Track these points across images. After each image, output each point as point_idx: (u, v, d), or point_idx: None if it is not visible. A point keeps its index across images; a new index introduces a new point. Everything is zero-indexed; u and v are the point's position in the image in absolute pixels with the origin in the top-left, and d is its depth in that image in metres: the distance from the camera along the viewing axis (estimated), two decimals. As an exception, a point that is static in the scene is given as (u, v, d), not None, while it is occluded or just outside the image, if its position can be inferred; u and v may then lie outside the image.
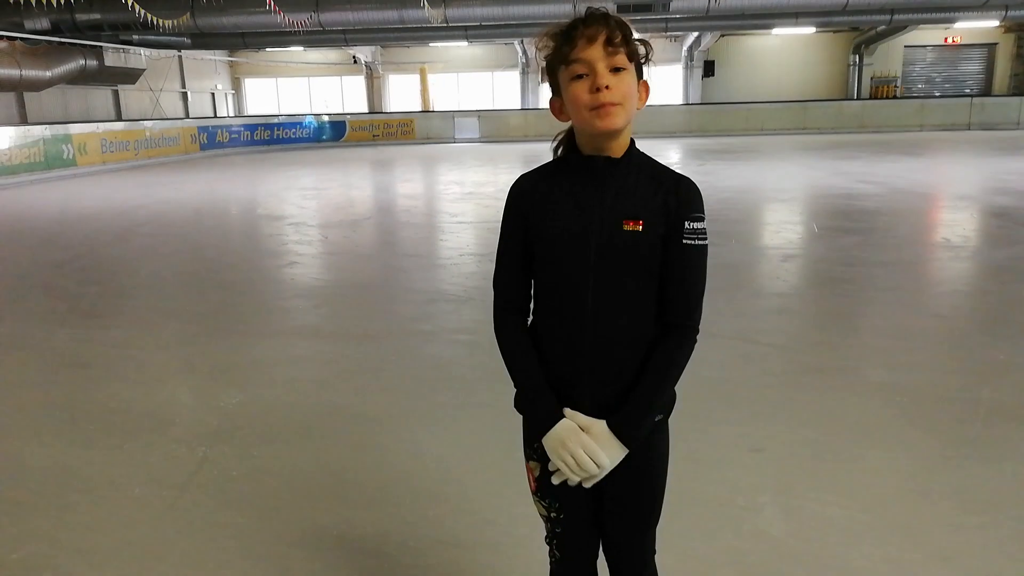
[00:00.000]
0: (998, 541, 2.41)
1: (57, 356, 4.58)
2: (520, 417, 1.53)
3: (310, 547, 2.47)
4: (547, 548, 1.60)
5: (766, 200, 10.62)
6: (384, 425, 3.40)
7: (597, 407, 1.43)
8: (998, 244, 7.23)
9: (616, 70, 1.32)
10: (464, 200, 11.26)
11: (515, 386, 1.46)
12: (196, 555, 2.44)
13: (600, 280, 1.39)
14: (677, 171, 1.44)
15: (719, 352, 4.30)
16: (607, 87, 1.31)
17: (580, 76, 1.33)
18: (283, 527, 2.59)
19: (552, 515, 1.53)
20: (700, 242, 1.42)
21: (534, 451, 1.50)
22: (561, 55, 1.34)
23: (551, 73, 1.40)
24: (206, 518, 2.67)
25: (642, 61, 1.39)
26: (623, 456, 1.41)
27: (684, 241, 1.40)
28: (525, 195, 1.45)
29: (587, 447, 1.37)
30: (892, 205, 9.51)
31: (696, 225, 1.41)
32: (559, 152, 1.48)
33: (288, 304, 5.78)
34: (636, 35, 1.37)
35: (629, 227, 1.37)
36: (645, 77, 1.42)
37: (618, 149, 1.40)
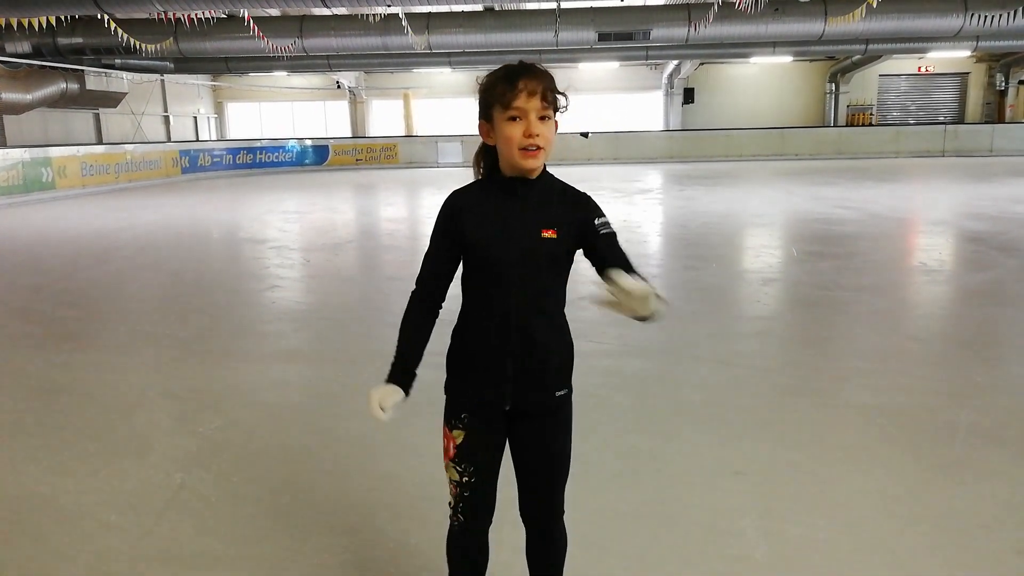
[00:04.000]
0: (980, 563, 2.42)
1: (33, 381, 4.51)
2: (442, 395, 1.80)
3: (290, 574, 2.43)
4: (450, 517, 1.84)
5: (746, 225, 10.73)
6: (366, 450, 3.37)
7: (519, 390, 1.72)
8: (973, 268, 7.35)
9: (543, 118, 1.62)
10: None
11: (396, 352, 1.78)
12: (173, 583, 2.39)
13: (523, 279, 1.69)
14: (577, 188, 1.76)
15: (700, 374, 4.32)
16: (536, 134, 1.61)
17: (514, 119, 1.61)
18: (262, 553, 2.55)
19: (464, 479, 1.78)
20: (610, 230, 1.75)
21: (460, 421, 1.77)
22: (501, 98, 1.61)
23: (486, 105, 1.67)
24: (184, 545, 2.62)
25: (559, 110, 1.66)
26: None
27: (601, 232, 1.73)
28: (457, 208, 1.72)
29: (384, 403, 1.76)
30: (869, 230, 9.64)
31: (602, 220, 1.74)
32: (481, 171, 1.76)
33: (269, 328, 5.74)
34: (559, 89, 1.66)
35: (546, 235, 1.69)
36: (557, 117, 1.69)
37: (534, 173, 1.69)
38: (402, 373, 1.76)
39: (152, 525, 2.76)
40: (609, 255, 1.71)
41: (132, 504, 2.92)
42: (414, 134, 26.98)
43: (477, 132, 1.74)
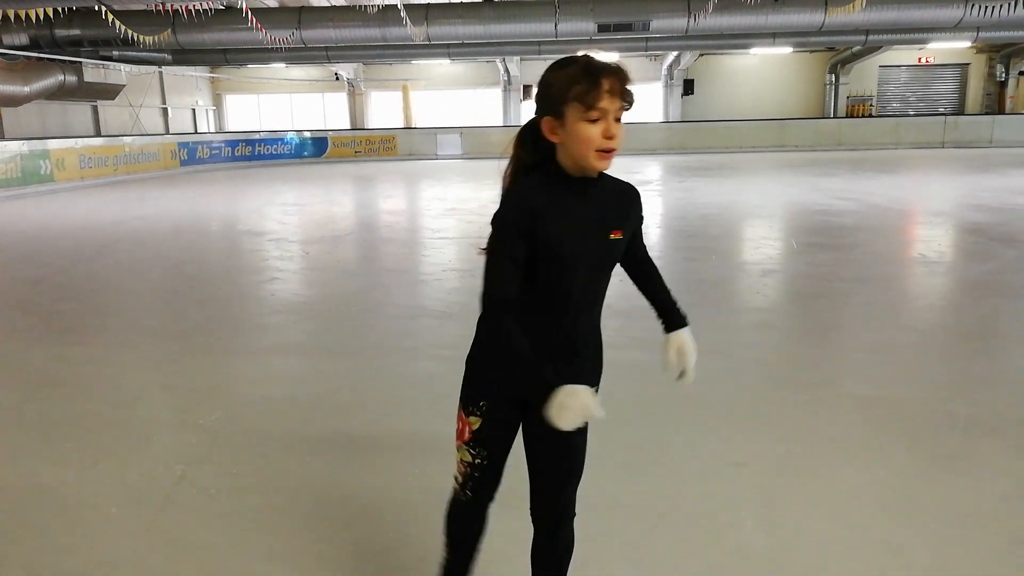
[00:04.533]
0: (979, 554, 2.43)
1: (32, 374, 4.51)
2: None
3: (291, 566, 2.44)
4: (455, 491, 1.87)
5: (745, 216, 10.72)
6: (366, 443, 3.38)
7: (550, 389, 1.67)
8: (973, 259, 7.35)
9: (618, 119, 1.56)
10: (446, 216, 11.27)
11: (525, 370, 1.57)
12: (176, 575, 2.40)
13: (589, 281, 1.68)
14: (621, 179, 1.74)
15: (700, 367, 4.31)
16: (615, 135, 1.55)
17: (594, 120, 1.53)
18: (264, 546, 2.56)
19: (477, 462, 1.80)
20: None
21: (478, 408, 1.76)
22: (582, 97, 1.52)
23: (559, 102, 1.55)
24: (186, 537, 2.63)
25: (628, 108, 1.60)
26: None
27: (640, 230, 1.84)
28: (533, 208, 1.59)
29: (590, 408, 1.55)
30: (869, 221, 9.64)
31: (642, 213, 1.80)
32: (519, 167, 1.69)
33: (269, 321, 5.74)
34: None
35: (614, 236, 1.68)
36: None
37: (596, 171, 1.62)
38: (547, 373, 1.57)
39: (153, 517, 2.77)
40: (644, 251, 1.88)
41: (133, 496, 2.93)
42: (413, 126, 26.92)
43: (517, 133, 1.70)
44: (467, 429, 1.78)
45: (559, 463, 1.81)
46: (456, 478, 1.86)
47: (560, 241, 1.59)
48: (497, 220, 1.60)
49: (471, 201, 12.91)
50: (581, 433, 1.79)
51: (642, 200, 1.79)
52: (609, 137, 1.54)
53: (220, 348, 4.94)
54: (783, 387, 4.00)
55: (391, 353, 4.61)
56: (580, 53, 1.62)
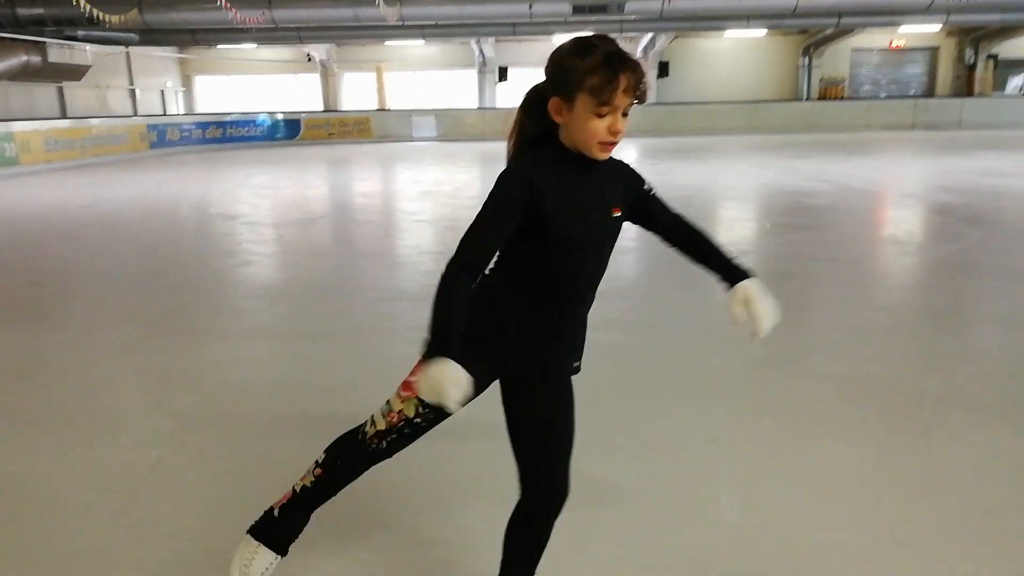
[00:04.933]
0: (950, 525, 2.48)
1: (1, 361, 4.42)
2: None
3: (269, 549, 2.42)
4: (365, 434, 1.77)
5: (719, 198, 10.79)
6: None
7: (544, 362, 1.71)
8: (942, 239, 7.47)
9: (625, 114, 1.56)
10: (422, 198, 11.21)
11: (434, 329, 1.51)
12: (152, 562, 2.38)
13: (592, 260, 1.67)
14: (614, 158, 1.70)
15: (674, 347, 4.36)
16: (620, 131, 1.54)
17: (602, 115, 1.52)
18: (242, 530, 2.54)
19: (417, 421, 1.70)
20: (656, 191, 1.81)
21: None
22: (597, 91, 1.49)
23: (572, 87, 1.52)
24: (161, 524, 2.60)
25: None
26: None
27: (652, 194, 1.77)
28: (535, 182, 1.56)
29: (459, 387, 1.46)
30: (841, 202, 9.75)
31: (648, 185, 1.78)
32: (518, 142, 1.65)
33: (242, 304, 5.68)
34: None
35: (615, 214, 1.67)
36: None
37: (595, 159, 1.61)
38: (451, 345, 1.50)
39: (127, 504, 2.74)
40: (670, 215, 1.80)
41: (108, 483, 2.89)
42: (387, 108, 26.66)
43: (505, 110, 1.65)
44: None
45: (561, 429, 1.77)
46: (374, 422, 1.75)
47: (566, 221, 1.57)
48: (497, 187, 1.56)
49: (446, 184, 12.84)
50: (572, 404, 1.79)
51: (637, 172, 1.76)
52: (614, 132, 1.54)
53: (193, 332, 4.87)
54: (758, 366, 4.04)
55: (368, 335, 4.58)
56: (598, 36, 1.56)
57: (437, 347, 1.48)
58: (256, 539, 1.85)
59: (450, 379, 1.43)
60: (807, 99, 26.50)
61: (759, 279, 1.73)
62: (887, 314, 5.04)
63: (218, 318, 5.26)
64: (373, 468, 1.86)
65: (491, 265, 1.65)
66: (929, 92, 27.35)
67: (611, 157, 1.67)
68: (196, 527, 2.57)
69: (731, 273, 1.75)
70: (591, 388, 3.70)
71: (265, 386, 3.91)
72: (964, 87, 26.96)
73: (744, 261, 1.82)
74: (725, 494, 2.71)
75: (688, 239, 1.81)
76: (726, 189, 11.64)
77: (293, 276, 6.73)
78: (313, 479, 1.81)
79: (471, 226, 1.56)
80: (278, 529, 1.85)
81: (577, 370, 1.79)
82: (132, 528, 2.58)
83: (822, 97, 26.79)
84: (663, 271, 6.09)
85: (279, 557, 1.87)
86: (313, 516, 1.95)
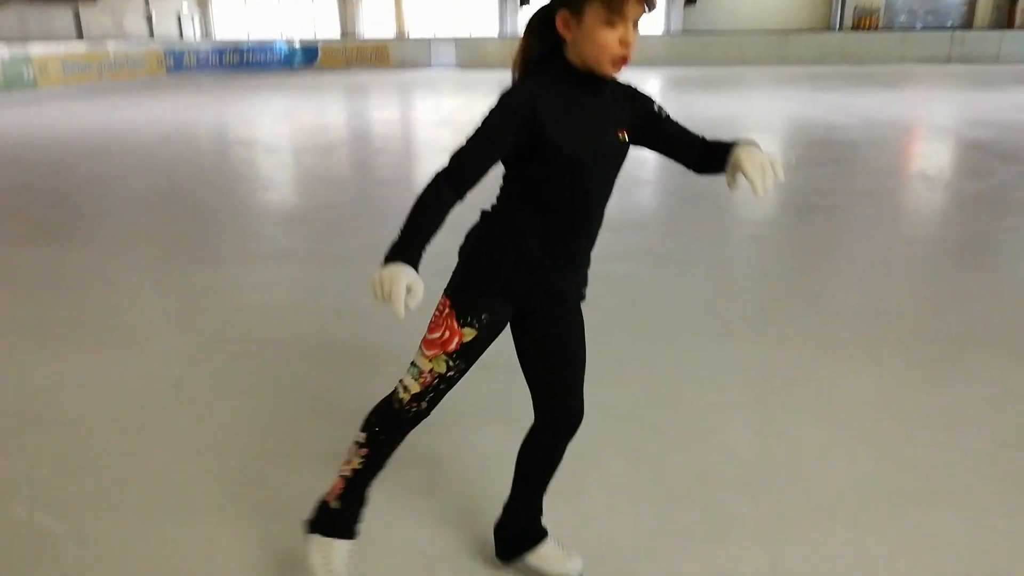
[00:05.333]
0: (962, 455, 2.49)
1: (25, 278, 4.49)
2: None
3: (289, 464, 2.49)
4: (402, 401, 1.70)
5: (745, 130, 10.54)
6: (362, 346, 3.40)
7: (561, 290, 1.68)
8: (972, 176, 7.28)
9: (636, 26, 1.48)
10: (440, 127, 11.07)
11: (401, 232, 1.44)
12: (177, 472, 2.45)
13: (600, 184, 1.61)
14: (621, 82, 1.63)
15: (694, 278, 4.33)
16: (631, 43, 1.47)
17: (614, 24, 1.44)
18: (263, 446, 2.61)
19: (451, 375, 1.66)
20: (668, 112, 1.70)
21: (478, 320, 1.62)
22: (608, 1, 1.43)
23: None
24: (185, 437, 2.67)
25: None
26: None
27: (664, 116, 1.69)
28: (535, 103, 1.49)
29: (410, 287, 1.40)
30: (869, 136, 9.50)
31: (659, 105, 1.69)
32: (524, 65, 1.58)
33: (261, 228, 5.69)
34: None
35: (623, 136, 1.61)
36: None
37: (606, 76, 1.54)
38: (414, 252, 1.43)
39: (152, 417, 2.81)
40: (685, 134, 1.71)
41: (131, 397, 2.96)
42: (406, 35, 26.09)
43: (524, 24, 1.57)
44: (456, 340, 1.62)
45: (575, 354, 1.75)
46: (406, 387, 1.69)
47: (570, 141, 1.51)
48: (496, 104, 1.50)
49: (465, 112, 12.65)
50: (582, 329, 1.76)
51: (646, 94, 1.68)
52: (626, 44, 1.46)
53: (213, 254, 4.91)
54: (776, 298, 4.01)
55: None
56: None
57: (397, 251, 1.42)
58: (325, 535, 1.78)
59: (401, 282, 1.37)
60: (839, 29, 25.57)
61: (752, 143, 1.61)
62: (912, 248, 4.96)
63: (238, 241, 5.28)
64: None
65: (498, 197, 1.63)
66: (967, 23, 26.25)
67: (618, 81, 1.60)
68: (220, 441, 2.63)
69: (725, 151, 1.64)
70: (606, 319, 3.72)
71: (284, 308, 3.95)
72: (1005, 19, 25.83)
73: (746, 136, 1.73)
74: (736, 421, 2.72)
75: (702, 157, 1.71)
76: (752, 122, 11.36)
77: (311, 202, 6.71)
78: (361, 460, 1.75)
79: (464, 141, 1.50)
80: (342, 518, 1.79)
81: (583, 297, 1.75)
82: (157, 440, 2.65)
83: (855, 27, 25.82)
84: (682, 204, 6.01)
85: (353, 541, 1.81)
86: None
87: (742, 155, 1.56)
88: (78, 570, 2.00)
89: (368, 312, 3.81)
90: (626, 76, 1.59)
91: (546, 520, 1.95)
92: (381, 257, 1.42)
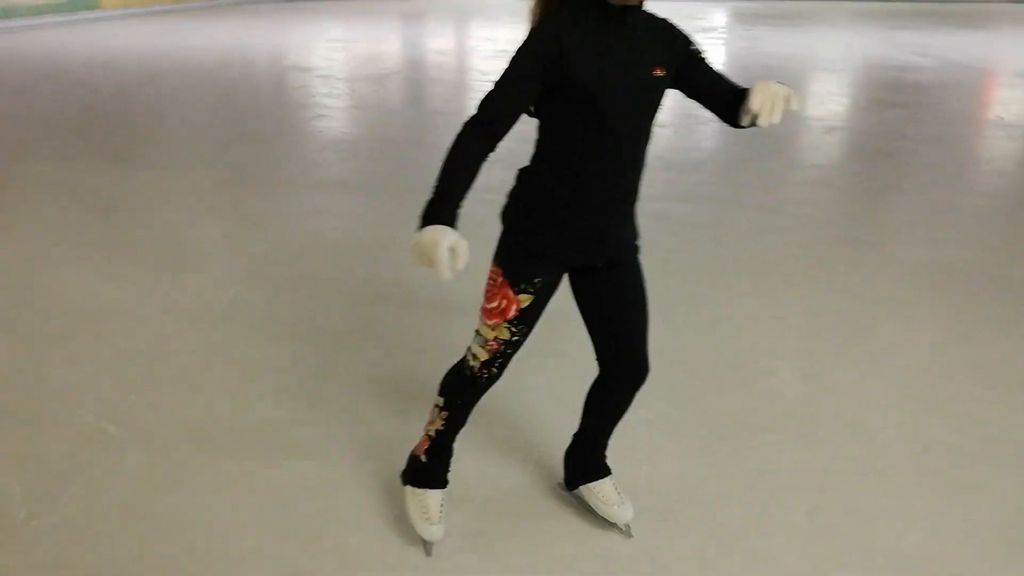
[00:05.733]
0: (1011, 413, 2.43)
1: (89, 197, 4.63)
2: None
3: (341, 382, 2.57)
4: (473, 369, 1.70)
5: (812, 69, 10.10)
6: (411, 274, 3.44)
7: (614, 245, 1.62)
8: (1054, 124, 6.88)
9: None
10: (496, 58, 10.86)
11: (434, 193, 1.41)
12: (232, 386, 2.55)
13: (635, 126, 1.52)
14: (656, 15, 1.55)
15: (747, 222, 4.24)
16: None
17: None
18: (315, 365, 2.69)
19: (515, 339, 1.65)
20: (705, 53, 1.60)
21: (532, 285, 1.59)
22: None
23: None
24: (240, 353, 2.77)
25: None
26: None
27: (701, 56, 1.57)
28: (560, 41, 1.42)
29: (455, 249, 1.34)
30: (945, 79, 9.01)
31: (697, 46, 1.58)
32: (560, 2, 1.47)
33: (316, 156, 5.74)
34: None
35: (658, 73, 1.50)
36: None
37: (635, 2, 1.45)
38: (450, 211, 1.39)
39: (208, 332, 2.92)
40: (721, 80, 1.57)
41: (189, 312, 3.08)
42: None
43: None
44: (514, 307, 1.60)
45: (639, 307, 1.72)
46: (475, 355, 1.69)
47: (592, 78, 1.42)
48: (521, 45, 1.44)
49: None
50: (642, 282, 1.72)
51: (684, 31, 1.57)
52: None
53: (267, 181, 4.98)
54: (833, 245, 3.91)
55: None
56: None
57: (433, 212, 1.39)
58: (419, 487, 1.87)
59: (443, 245, 1.31)
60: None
61: (764, 80, 1.49)
62: (980, 198, 4.75)
63: (292, 168, 5.35)
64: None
65: (532, 158, 1.58)
66: (1065, -41, 24.34)
67: (655, 15, 1.52)
68: (273, 358, 2.73)
69: (741, 94, 1.54)
70: (659, 259, 3.67)
71: (337, 235, 4.01)
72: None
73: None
74: (783, 368, 2.70)
75: (734, 107, 1.55)
76: (820, 60, 10.86)
77: (365, 131, 6.72)
78: (443, 421, 1.81)
79: (492, 85, 1.45)
80: (432, 470, 1.87)
81: (638, 249, 1.70)
82: (213, 354, 2.76)
83: (940, -39, 24.20)
84: (741, 145, 5.84)
85: (445, 489, 1.90)
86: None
87: (754, 86, 1.47)
88: (141, 471, 2.12)
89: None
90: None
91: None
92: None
